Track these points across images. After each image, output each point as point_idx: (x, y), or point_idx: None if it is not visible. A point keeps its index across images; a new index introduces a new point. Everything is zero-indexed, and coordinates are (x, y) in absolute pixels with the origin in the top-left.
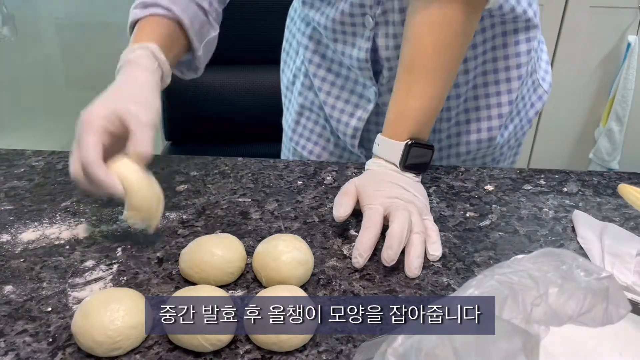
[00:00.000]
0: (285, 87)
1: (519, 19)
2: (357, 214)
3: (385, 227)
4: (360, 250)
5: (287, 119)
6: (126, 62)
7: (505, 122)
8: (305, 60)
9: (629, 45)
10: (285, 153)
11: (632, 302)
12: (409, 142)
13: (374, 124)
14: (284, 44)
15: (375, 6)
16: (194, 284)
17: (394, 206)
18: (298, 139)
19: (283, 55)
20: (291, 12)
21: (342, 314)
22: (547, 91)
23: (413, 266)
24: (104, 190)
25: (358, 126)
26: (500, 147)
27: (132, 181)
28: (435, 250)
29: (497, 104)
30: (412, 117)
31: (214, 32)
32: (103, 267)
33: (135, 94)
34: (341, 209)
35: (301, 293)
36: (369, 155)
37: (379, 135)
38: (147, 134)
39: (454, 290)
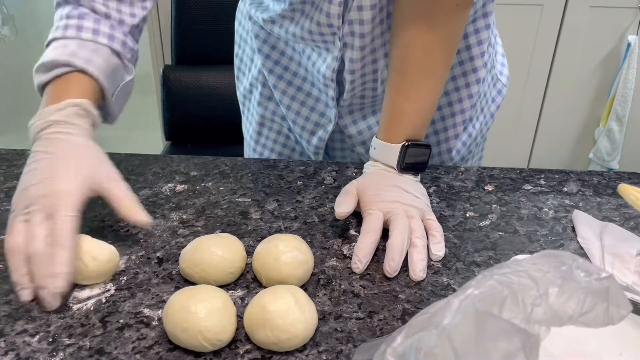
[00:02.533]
0: (243, 95)
1: (487, 7)
2: (357, 214)
3: (385, 231)
4: (360, 256)
5: (248, 129)
6: (56, 123)
7: (472, 123)
8: (265, 70)
9: (629, 45)
10: None
11: (632, 302)
12: (406, 144)
13: (338, 141)
14: (236, 49)
15: (342, 27)
16: (194, 284)
17: (393, 212)
18: (262, 150)
19: (236, 61)
20: (238, 15)
21: (342, 314)
22: (506, 85)
23: (418, 269)
24: (53, 272)
25: (319, 145)
26: (467, 146)
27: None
28: (439, 251)
29: (460, 111)
30: (407, 119)
31: (129, 76)
32: None
33: (95, 157)
34: (342, 206)
35: (301, 293)
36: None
37: (374, 139)
38: (133, 199)
39: (454, 290)
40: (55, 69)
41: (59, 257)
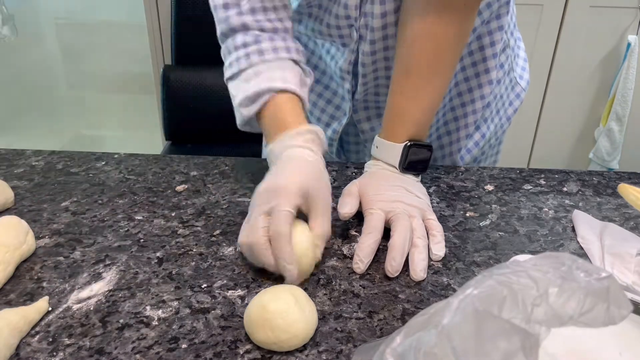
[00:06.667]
0: None
1: (500, 10)
2: (358, 213)
3: (386, 230)
4: (361, 256)
5: None
6: (298, 146)
7: (487, 124)
8: None
9: (629, 45)
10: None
11: (633, 302)
12: (408, 144)
13: (352, 135)
14: None
15: (359, 18)
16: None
17: (395, 212)
18: None
19: None
20: None
21: (342, 314)
22: (525, 89)
23: (418, 269)
24: (277, 264)
25: (333, 137)
26: (481, 147)
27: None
28: (439, 250)
29: (472, 111)
30: (410, 119)
31: (310, 79)
32: (103, 267)
33: (318, 174)
34: (346, 207)
35: (301, 293)
36: (347, 158)
37: (376, 137)
38: (330, 216)
39: (454, 290)
40: (260, 98)
41: (282, 250)
